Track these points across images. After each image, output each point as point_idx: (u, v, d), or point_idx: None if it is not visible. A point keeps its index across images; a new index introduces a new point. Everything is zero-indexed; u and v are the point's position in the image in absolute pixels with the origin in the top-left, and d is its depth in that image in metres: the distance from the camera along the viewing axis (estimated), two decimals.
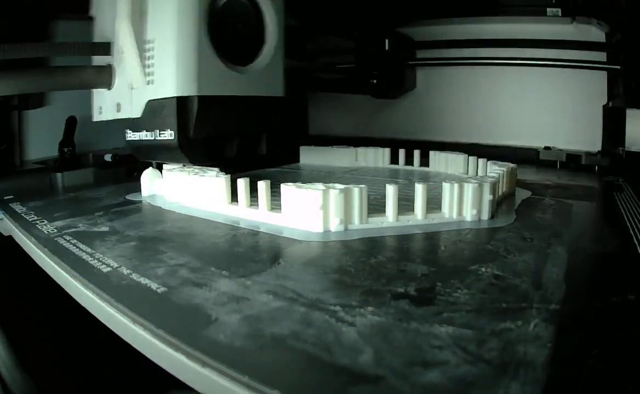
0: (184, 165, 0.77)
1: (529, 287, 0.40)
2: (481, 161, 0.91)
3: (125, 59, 0.70)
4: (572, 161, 1.20)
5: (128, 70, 0.70)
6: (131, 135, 0.73)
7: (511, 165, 0.79)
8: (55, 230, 0.60)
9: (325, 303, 0.37)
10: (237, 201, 0.64)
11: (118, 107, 0.75)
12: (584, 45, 1.23)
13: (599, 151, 1.21)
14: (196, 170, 0.73)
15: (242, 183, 0.64)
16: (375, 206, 0.63)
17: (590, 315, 0.36)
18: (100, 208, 0.72)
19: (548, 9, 1.22)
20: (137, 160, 0.85)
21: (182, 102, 0.66)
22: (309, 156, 1.22)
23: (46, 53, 0.71)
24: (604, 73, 1.23)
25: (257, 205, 0.61)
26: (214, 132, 0.72)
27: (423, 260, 0.46)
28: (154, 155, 0.78)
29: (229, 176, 0.66)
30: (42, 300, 0.66)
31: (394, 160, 1.11)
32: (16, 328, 0.63)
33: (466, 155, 0.96)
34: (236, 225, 0.60)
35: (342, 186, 0.54)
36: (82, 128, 1.07)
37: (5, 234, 0.77)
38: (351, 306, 0.36)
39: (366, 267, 0.44)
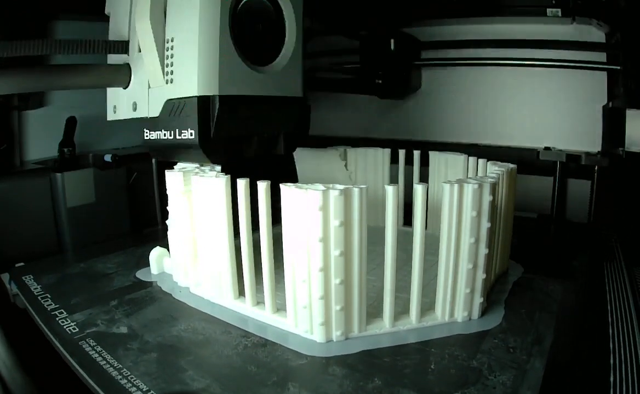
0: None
1: None
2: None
3: (144, 57, 0.77)
4: (572, 161, 1.29)
5: (146, 68, 0.77)
6: (149, 135, 0.80)
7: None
8: (77, 329, 0.70)
9: None
10: (244, 297, 0.75)
11: (134, 106, 0.82)
12: (584, 46, 1.31)
13: (599, 151, 1.30)
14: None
15: (248, 277, 0.74)
16: (374, 301, 0.74)
17: None
18: (114, 294, 0.82)
19: (548, 9, 1.28)
20: (136, 161, 0.94)
21: (203, 101, 0.72)
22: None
23: (63, 51, 0.75)
24: (604, 74, 1.31)
25: (264, 303, 0.72)
26: (234, 132, 0.78)
27: (413, 384, 0.57)
28: (174, 155, 0.84)
29: (234, 267, 0.76)
30: None
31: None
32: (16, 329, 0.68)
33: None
34: (245, 329, 0.70)
35: (342, 303, 0.64)
36: (82, 128, 1.14)
37: (21, 306, 0.87)
38: None
39: None
